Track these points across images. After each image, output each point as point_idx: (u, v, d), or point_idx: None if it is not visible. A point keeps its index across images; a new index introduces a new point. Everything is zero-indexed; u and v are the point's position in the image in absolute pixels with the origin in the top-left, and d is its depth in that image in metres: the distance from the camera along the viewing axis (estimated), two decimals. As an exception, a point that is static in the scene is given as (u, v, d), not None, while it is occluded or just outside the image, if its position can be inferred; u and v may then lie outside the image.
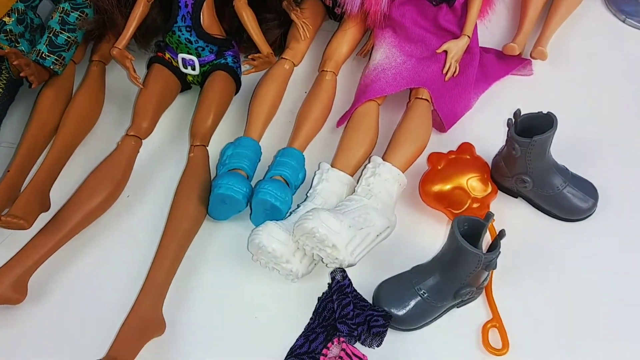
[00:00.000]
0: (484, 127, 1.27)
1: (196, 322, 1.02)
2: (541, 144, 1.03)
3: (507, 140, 1.08)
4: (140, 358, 0.95)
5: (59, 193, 1.15)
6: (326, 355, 0.88)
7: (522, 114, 1.06)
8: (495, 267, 0.94)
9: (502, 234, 0.92)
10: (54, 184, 1.14)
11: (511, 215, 1.13)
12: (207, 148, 1.19)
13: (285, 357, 0.96)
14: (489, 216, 0.93)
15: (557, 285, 1.05)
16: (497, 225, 1.10)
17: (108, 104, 1.30)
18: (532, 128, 1.06)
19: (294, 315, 1.02)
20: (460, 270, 0.94)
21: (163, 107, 1.23)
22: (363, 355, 0.89)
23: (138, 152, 1.16)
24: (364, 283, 1.04)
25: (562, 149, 1.14)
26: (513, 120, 1.06)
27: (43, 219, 1.08)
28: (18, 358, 0.98)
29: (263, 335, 1.00)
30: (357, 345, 0.97)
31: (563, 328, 1.01)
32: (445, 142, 1.22)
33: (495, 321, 1.00)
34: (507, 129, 1.08)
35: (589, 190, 1.12)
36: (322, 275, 1.07)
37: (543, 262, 1.08)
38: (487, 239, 1.06)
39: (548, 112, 1.06)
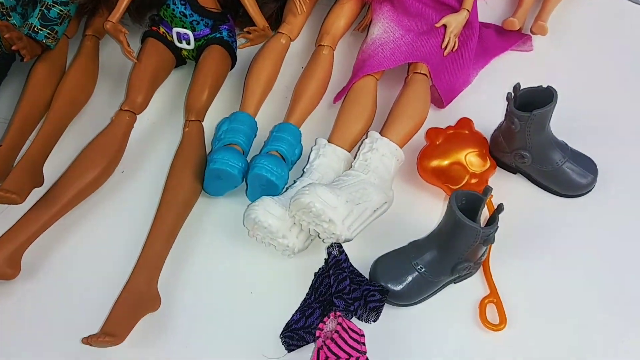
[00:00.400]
0: (483, 103, 1.26)
1: (192, 298, 1.01)
2: (541, 118, 1.02)
3: (506, 115, 1.07)
4: (135, 333, 0.94)
5: (52, 169, 1.14)
6: (322, 330, 0.87)
7: (521, 88, 1.05)
8: (493, 242, 0.94)
9: (500, 208, 0.92)
10: (47, 160, 1.12)
11: (509, 191, 1.12)
12: (202, 123, 1.17)
13: (282, 333, 0.96)
14: (487, 190, 0.92)
15: (555, 261, 1.05)
16: (496, 201, 1.09)
17: (102, 79, 1.28)
18: (531, 103, 1.04)
19: (290, 290, 1.01)
20: (458, 244, 0.93)
21: (157, 82, 1.22)
22: (359, 329, 0.88)
23: (132, 127, 1.15)
24: (361, 259, 1.03)
25: (562, 125, 1.13)
26: (512, 94, 1.04)
27: (36, 194, 1.07)
28: (12, 333, 0.98)
29: (259, 310, 1.00)
30: (354, 320, 0.96)
31: (560, 303, 1.00)
32: (443, 118, 1.21)
33: (492, 297, 1.00)
34: (506, 103, 1.06)
35: (589, 166, 1.11)
36: (318, 251, 1.06)
37: (541, 238, 1.07)
38: (484, 215, 1.05)
39: (548, 86, 1.04)
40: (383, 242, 1.05)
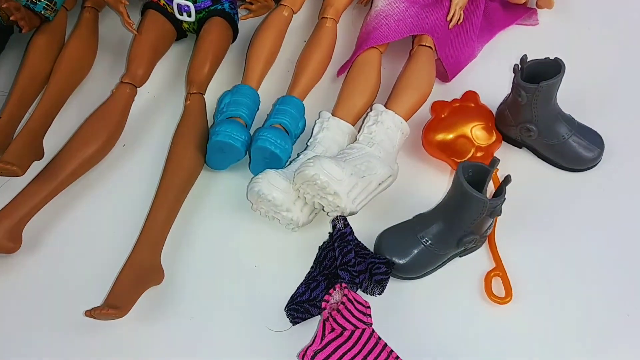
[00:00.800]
0: (488, 77, 1.24)
1: (195, 272, 1.01)
2: (548, 90, 1.01)
3: (512, 87, 1.05)
4: (139, 307, 0.93)
5: (53, 142, 1.12)
6: (328, 302, 0.86)
7: (528, 60, 1.03)
8: (500, 214, 0.93)
9: (507, 179, 0.91)
10: (47, 133, 1.11)
11: (515, 165, 1.11)
12: (204, 96, 1.15)
13: (286, 305, 0.95)
14: (495, 162, 0.91)
15: (561, 235, 1.04)
16: (501, 176, 1.08)
17: (101, 51, 1.26)
18: (538, 75, 1.03)
19: (295, 264, 1.01)
20: (464, 217, 0.92)
21: (158, 55, 1.20)
22: (365, 301, 0.87)
23: (133, 100, 1.13)
24: (366, 232, 1.03)
25: (568, 99, 1.11)
26: (519, 66, 1.03)
27: (37, 168, 1.05)
28: (13, 307, 0.97)
29: (263, 284, 0.99)
30: (359, 292, 0.96)
31: (566, 277, 0.99)
32: (448, 92, 1.19)
33: (498, 270, 0.99)
34: (512, 75, 1.05)
35: (595, 140, 1.10)
36: (323, 225, 1.05)
37: (547, 212, 1.07)
38: (490, 189, 1.04)
39: (555, 57, 1.03)
40: (388, 216, 1.04)
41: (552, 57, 1.04)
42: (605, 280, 0.99)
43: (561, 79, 1.01)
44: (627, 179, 1.10)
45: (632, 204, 1.08)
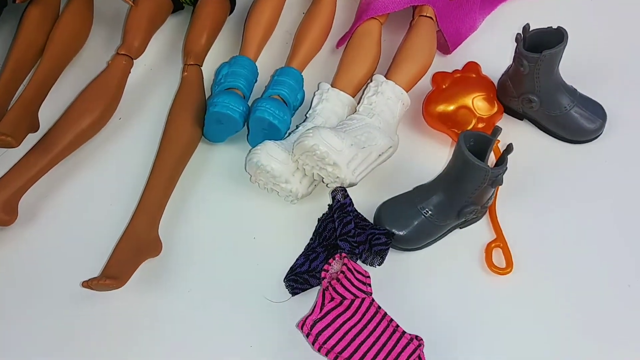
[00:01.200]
0: (490, 49, 1.22)
1: (194, 244, 1.00)
2: (550, 59, 0.99)
3: (515, 57, 1.04)
4: (137, 279, 0.92)
5: (48, 114, 1.11)
6: (328, 271, 0.86)
7: (530, 29, 1.02)
8: (501, 184, 0.92)
9: (509, 148, 0.89)
10: (42, 106, 1.09)
11: (517, 137, 1.09)
12: (201, 68, 1.14)
13: (286, 277, 0.94)
14: (497, 131, 0.90)
15: (562, 207, 1.03)
16: (502, 147, 1.07)
17: (97, 23, 1.24)
18: (540, 45, 1.01)
19: (294, 236, 1.00)
20: (465, 186, 0.91)
21: (155, 27, 1.18)
22: (365, 271, 0.87)
23: (129, 72, 1.11)
24: (366, 204, 1.02)
25: (570, 70, 1.10)
26: (522, 35, 1.01)
27: (32, 141, 1.04)
28: (10, 279, 0.96)
29: (262, 256, 0.98)
30: (359, 263, 0.95)
31: (567, 248, 0.99)
32: (449, 64, 1.18)
33: (499, 241, 0.98)
34: (514, 48, 1.04)
35: (597, 111, 1.08)
36: (322, 197, 1.04)
37: (548, 184, 1.06)
38: (492, 160, 1.03)
39: (558, 26, 1.01)
40: (387, 188, 1.03)
41: (554, 27, 1.02)
42: (605, 252, 0.99)
43: (564, 48, 0.99)
44: (629, 151, 1.09)
45: (634, 175, 1.07)
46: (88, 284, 0.87)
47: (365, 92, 1.07)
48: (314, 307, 0.84)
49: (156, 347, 0.90)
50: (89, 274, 0.94)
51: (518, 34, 1.02)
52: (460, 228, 1.00)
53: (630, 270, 0.97)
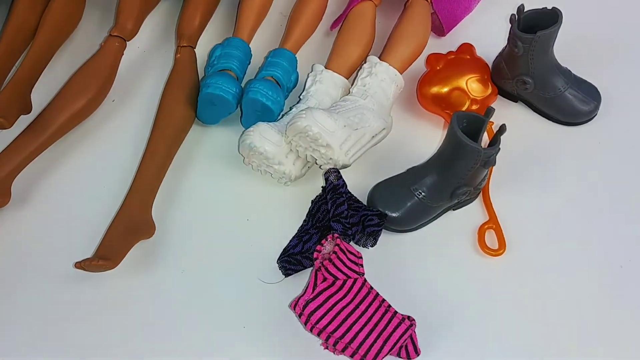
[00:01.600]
0: (484, 32, 1.22)
1: (187, 226, 1.00)
2: (545, 40, 0.99)
3: (509, 38, 1.03)
4: (130, 260, 0.92)
5: (41, 96, 1.10)
6: (320, 252, 0.86)
7: (525, 10, 1.01)
8: (494, 164, 0.92)
9: (502, 129, 0.89)
10: (34, 87, 1.08)
11: (510, 119, 1.09)
12: (195, 50, 1.13)
13: (279, 258, 0.95)
14: (490, 111, 0.90)
15: (555, 189, 1.03)
16: (495, 128, 1.06)
17: (90, 4, 1.23)
18: (535, 26, 1.01)
19: (287, 218, 1.00)
20: (458, 167, 0.91)
21: (148, 8, 1.17)
22: (357, 251, 0.87)
23: (122, 53, 1.10)
24: (359, 186, 1.01)
25: (565, 52, 1.09)
26: (516, 16, 1.01)
27: (24, 123, 1.03)
28: (3, 261, 0.96)
29: (255, 237, 0.98)
30: (352, 244, 0.95)
31: (560, 230, 0.99)
32: (443, 46, 1.16)
33: (491, 223, 0.98)
34: (508, 30, 1.03)
35: (592, 93, 1.08)
36: (316, 179, 1.04)
37: (542, 166, 1.06)
38: (485, 141, 1.03)
39: (553, 7, 1.01)
40: (381, 170, 1.03)
41: (549, 8, 1.02)
42: (598, 233, 0.99)
43: (558, 29, 0.99)
44: (623, 133, 1.09)
45: (628, 157, 1.07)
46: (81, 265, 0.87)
47: (359, 73, 1.06)
48: (306, 287, 0.84)
49: (149, 327, 0.90)
50: (82, 255, 0.94)
51: (512, 14, 1.01)
52: (454, 210, 1.01)
53: (622, 251, 0.97)
